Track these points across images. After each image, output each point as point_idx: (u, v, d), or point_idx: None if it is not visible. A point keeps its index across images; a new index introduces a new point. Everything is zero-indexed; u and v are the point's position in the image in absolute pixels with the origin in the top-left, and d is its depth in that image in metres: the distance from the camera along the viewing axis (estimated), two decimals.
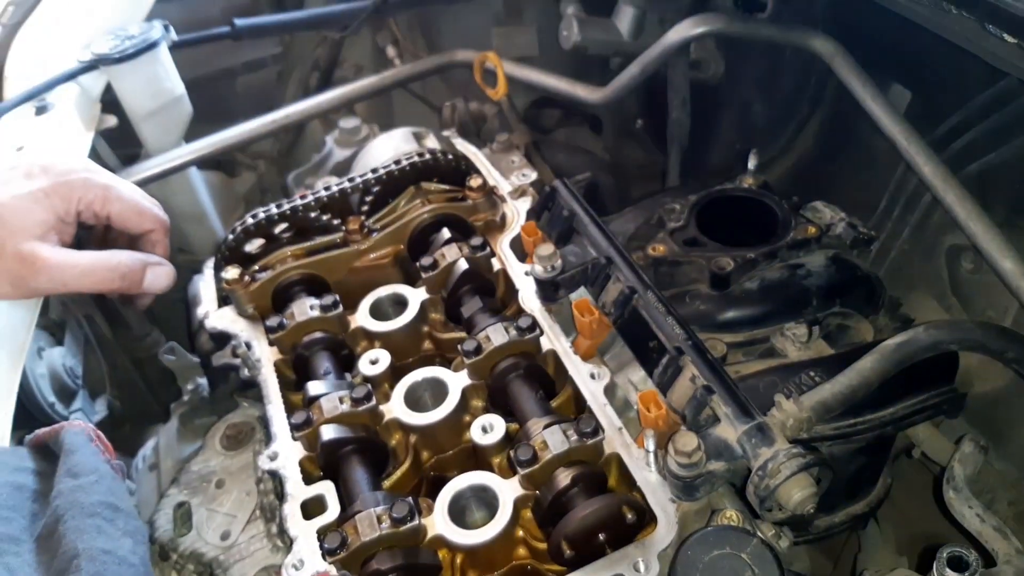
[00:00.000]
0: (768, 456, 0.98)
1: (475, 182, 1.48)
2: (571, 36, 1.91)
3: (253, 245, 1.44)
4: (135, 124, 1.87)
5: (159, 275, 1.33)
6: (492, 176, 1.56)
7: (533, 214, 1.46)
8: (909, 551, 1.41)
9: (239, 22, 2.06)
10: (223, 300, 1.45)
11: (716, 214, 1.46)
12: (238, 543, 1.19)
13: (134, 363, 1.91)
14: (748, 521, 1.03)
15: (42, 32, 1.86)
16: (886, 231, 1.63)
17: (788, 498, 0.97)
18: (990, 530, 1.09)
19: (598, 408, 1.15)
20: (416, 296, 1.38)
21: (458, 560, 1.08)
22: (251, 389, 1.37)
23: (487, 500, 1.10)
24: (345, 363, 1.34)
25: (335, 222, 1.46)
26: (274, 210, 1.44)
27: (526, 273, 1.35)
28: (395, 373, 1.28)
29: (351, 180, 1.49)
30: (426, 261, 1.38)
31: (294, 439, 1.19)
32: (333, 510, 1.09)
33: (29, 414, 1.46)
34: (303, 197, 1.46)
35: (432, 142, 1.77)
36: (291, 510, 1.10)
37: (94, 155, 1.75)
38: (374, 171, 1.49)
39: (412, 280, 1.43)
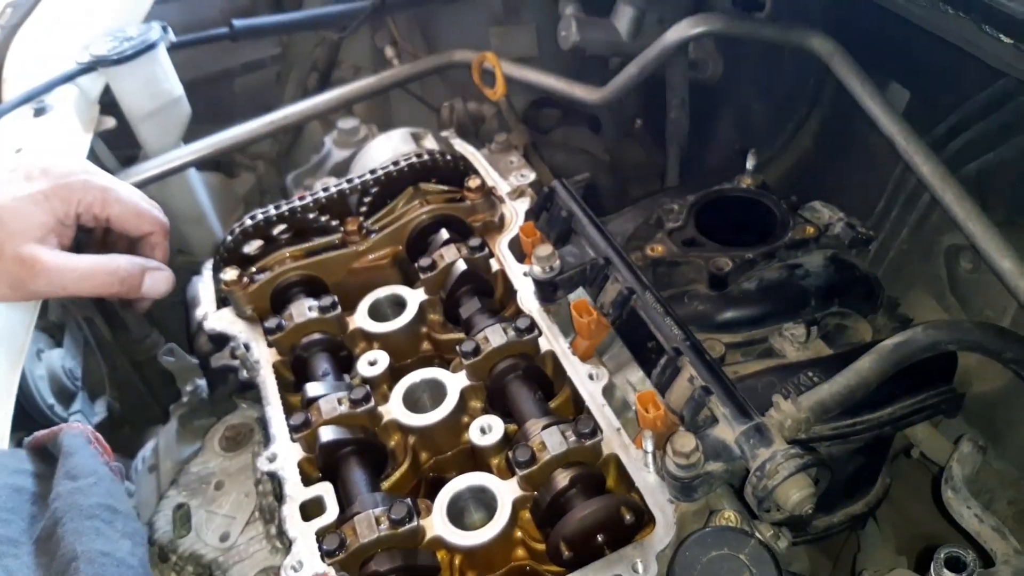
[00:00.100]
0: (766, 457, 0.98)
1: (473, 183, 1.48)
2: (570, 36, 1.91)
3: (252, 246, 1.44)
4: (134, 125, 1.87)
5: (158, 280, 1.33)
6: (491, 177, 1.56)
7: (532, 215, 1.46)
8: (909, 551, 1.41)
9: (237, 23, 2.06)
10: (222, 301, 1.45)
11: (714, 214, 1.46)
12: (237, 544, 1.19)
13: (133, 365, 1.91)
14: (746, 522, 1.03)
15: (41, 34, 1.86)
16: (885, 231, 1.63)
17: (786, 499, 0.97)
18: (988, 530, 1.09)
19: (596, 409, 1.15)
20: (415, 297, 1.38)
21: (457, 561, 1.08)
22: (250, 390, 1.37)
23: (486, 501, 1.10)
24: (344, 364, 1.34)
25: (333, 223, 1.46)
26: (272, 211, 1.44)
27: (524, 274, 1.35)
28: (394, 374, 1.28)
29: (349, 181, 1.49)
30: (424, 262, 1.38)
31: (293, 440, 1.19)
32: (332, 511, 1.09)
33: (28, 416, 1.46)
34: (301, 198, 1.46)
35: (430, 143, 1.77)
36: (290, 511, 1.10)
37: (93, 156, 1.75)
38: (372, 172, 1.49)
39: (411, 281, 1.43)
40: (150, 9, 1.99)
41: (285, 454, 1.18)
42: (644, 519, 1.04)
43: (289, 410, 1.24)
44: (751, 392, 1.10)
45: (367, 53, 2.57)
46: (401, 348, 1.37)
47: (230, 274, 1.38)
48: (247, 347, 1.35)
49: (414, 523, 1.04)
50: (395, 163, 1.49)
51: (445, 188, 1.52)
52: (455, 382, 1.22)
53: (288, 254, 1.44)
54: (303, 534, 1.07)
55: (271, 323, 1.34)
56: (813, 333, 1.27)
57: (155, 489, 1.39)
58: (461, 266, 1.35)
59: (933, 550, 0.98)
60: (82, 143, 1.67)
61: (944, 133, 1.48)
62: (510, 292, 1.37)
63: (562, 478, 1.06)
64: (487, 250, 1.40)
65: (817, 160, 1.87)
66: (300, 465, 1.16)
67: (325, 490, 1.12)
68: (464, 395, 1.22)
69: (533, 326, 1.24)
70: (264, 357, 1.34)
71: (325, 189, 1.48)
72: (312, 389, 1.23)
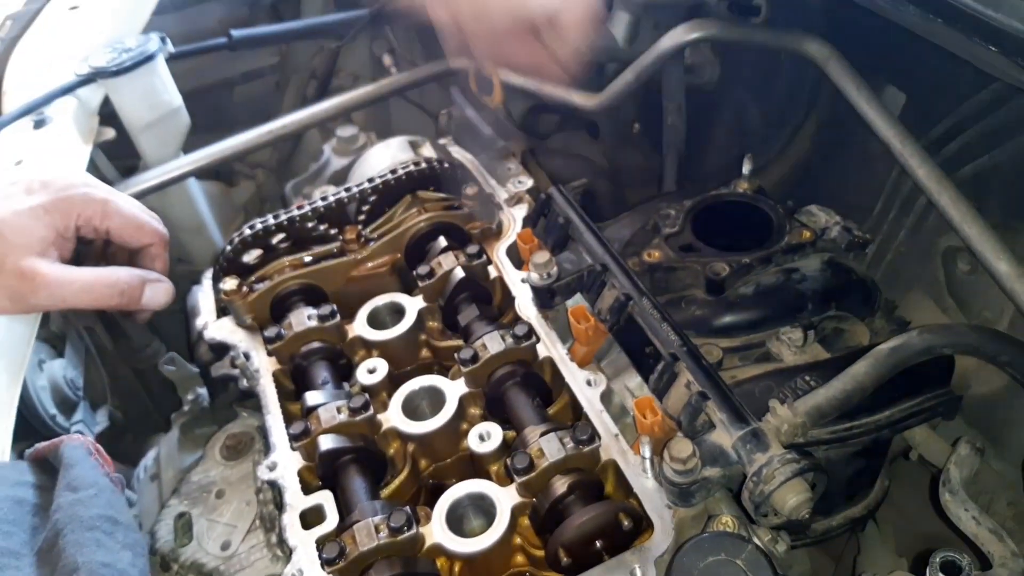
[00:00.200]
0: (762, 462, 0.99)
1: (471, 190, 1.49)
2: None
3: (251, 256, 1.45)
4: (133, 136, 1.88)
5: (158, 292, 1.34)
6: (488, 184, 1.57)
7: (529, 221, 1.47)
8: (909, 553, 1.41)
9: (236, 33, 2.07)
10: (222, 311, 1.46)
11: (711, 219, 1.46)
12: (238, 553, 1.20)
13: (135, 374, 1.92)
14: (744, 527, 1.03)
15: (40, 46, 1.87)
16: (882, 234, 1.63)
17: (783, 503, 0.97)
18: (986, 532, 1.09)
19: (594, 415, 1.16)
20: (413, 305, 1.38)
21: (456, 568, 1.09)
22: (250, 399, 1.38)
23: (485, 508, 1.10)
24: (343, 372, 1.35)
25: (332, 232, 1.47)
26: (271, 221, 1.45)
27: (522, 280, 1.36)
28: (393, 382, 1.29)
29: (348, 190, 1.50)
30: (423, 270, 1.39)
31: (293, 449, 1.19)
32: (332, 519, 1.10)
33: (30, 426, 1.46)
34: (300, 207, 1.47)
35: (428, 151, 1.78)
36: (290, 520, 1.11)
37: (93, 167, 1.76)
38: (370, 181, 1.50)
39: (409, 289, 1.44)
40: (148, 20, 2.00)
41: (285, 463, 1.18)
42: (642, 525, 1.04)
43: (289, 419, 1.25)
44: (748, 396, 1.10)
45: (365, 61, 2.58)
46: (400, 356, 1.37)
47: (230, 284, 1.39)
48: (247, 356, 1.36)
49: (413, 531, 1.04)
50: (393, 171, 1.50)
51: (443, 196, 1.53)
52: (454, 389, 1.23)
53: (287, 263, 1.45)
54: (303, 542, 1.08)
55: (271, 332, 1.34)
56: (810, 337, 1.28)
57: (157, 498, 1.40)
58: (459, 273, 1.35)
59: (927, 555, 0.98)
60: (82, 154, 1.68)
61: (940, 136, 1.48)
62: (508, 299, 1.37)
63: (560, 484, 1.06)
64: (485, 257, 1.41)
65: (813, 164, 1.88)
66: (300, 474, 1.17)
67: (325, 498, 1.12)
68: (463, 402, 1.22)
69: (531, 333, 1.24)
70: (264, 366, 1.35)
71: (324, 198, 1.49)
72: (311, 398, 1.24)
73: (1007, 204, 1.38)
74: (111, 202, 1.31)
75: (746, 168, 1.51)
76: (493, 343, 1.22)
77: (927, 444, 1.30)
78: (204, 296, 1.51)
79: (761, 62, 1.89)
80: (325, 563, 1.03)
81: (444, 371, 1.32)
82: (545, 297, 1.30)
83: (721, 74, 1.97)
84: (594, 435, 1.09)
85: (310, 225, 1.46)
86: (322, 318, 1.34)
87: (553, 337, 1.28)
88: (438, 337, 1.39)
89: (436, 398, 1.24)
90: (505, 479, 1.12)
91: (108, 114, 1.84)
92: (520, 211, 1.50)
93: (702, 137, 2.01)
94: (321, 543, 1.07)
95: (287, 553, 1.08)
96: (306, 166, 2.17)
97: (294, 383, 1.36)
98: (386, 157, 1.80)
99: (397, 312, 1.39)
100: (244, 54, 2.34)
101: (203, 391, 1.55)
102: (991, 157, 1.40)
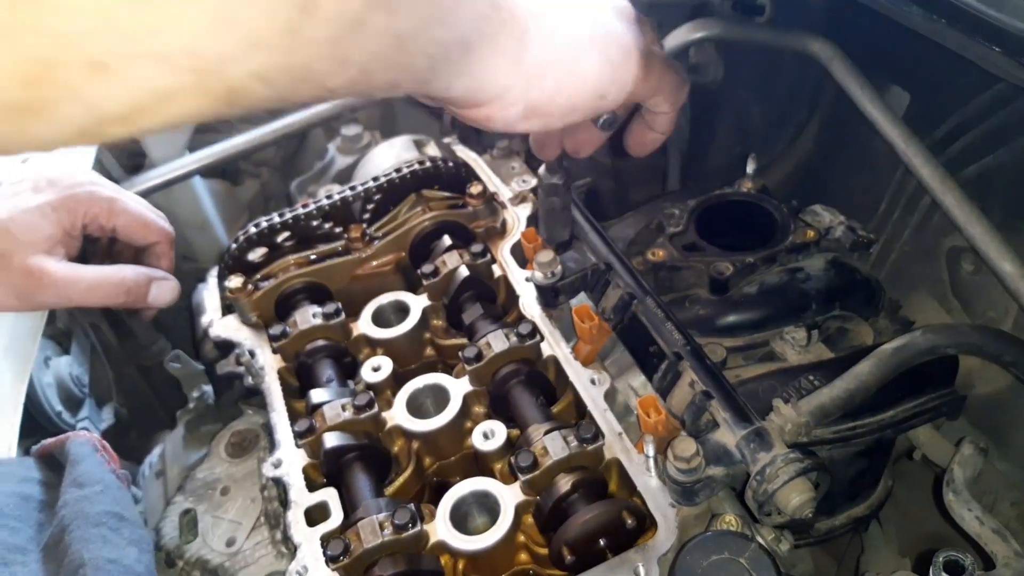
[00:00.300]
0: (766, 461, 0.99)
1: (475, 189, 1.49)
2: None
3: (256, 254, 1.45)
4: None
5: (164, 290, 1.34)
6: (492, 182, 1.57)
7: (533, 220, 1.47)
8: (912, 553, 1.41)
9: None
10: (227, 309, 1.46)
11: (715, 219, 1.46)
12: (243, 550, 1.20)
13: (140, 371, 1.93)
14: (747, 526, 1.03)
15: None
16: (886, 233, 1.63)
17: (786, 502, 0.97)
18: (989, 532, 1.09)
19: (598, 414, 1.16)
20: (418, 303, 1.39)
21: (460, 566, 1.09)
22: (255, 397, 1.39)
23: (488, 506, 1.11)
24: (348, 370, 1.36)
25: (337, 230, 1.47)
26: (276, 219, 1.45)
27: (526, 279, 1.36)
28: (397, 380, 1.29)
29: (352, 188, 1.50)
30: (427, 268, 1.39)
31: (297, 446, 1.20)
32: (336, 517, 1.10)
33: (36, 423, 1.47)
34: (305, 206, 1.47)
35: (433, 150, 1.78)
36: (295, 517, 1.11)
37: (99, 165, 1.77)
38: (375, 179, 1.50)
39: (414, 287, 1.44)
40: None
41: (290, 460, 1.19)
42: (646, 523, 1.05)
43: (294, 416, 1.26)
44: (752, 396, 1.10)
45: None
46: (404, 354, 1.38)
47: (235, 281, 1.39)
48: (252, 354, 1.37)
49: (417, 528, 1.05)
50: (397, 170, 1.50)
51: (447, 194, 1.53)
52: (458, 387, 1.23)
53: (292, 261, 1.45)
54: (308, 539, 1.08)
55: (276, 330, 1.35)
56: (814, 337, 1.28)
57: (162, 495, 1.41)
58: (463, 272, 1.36)
59: (932, 553, 0.98)
60: (88, 152, 1.68)
61: (944, 136, 1.48)
62: (512, 298, 1.38)
63: (564, 483, 1.06)
64: (489, 256, 1.41)
65: (817, 164, 1.88)
66: (305, 471, 1.17)
67: (329, 495, 1.13)
68: (467, 400, 1.23)
69: (535, 331, 1.25)
70: (269, 364, 1.35)
71: (328, 196, 1.49)
72: (316, 395, 1.24)
73: (1011, 204, 1.38)
74: (118, 200, 1.31)
75: (750, 168, 1.51)
76: (497, 342, 1.23)
77: (931, 444, 1.30)
78: (209, 294, 1.51)
79: (765, 62, 1.89)
80: (329, 560, 1.03)
81: (448, 369, 1.33)
82: (549, 296, 1.30)
83: (725, 74, 1.97)
84: (598, 434, 1.09)
85: (315, 223, 1.46)
86: (327, 316, 1.35)
87: (557, 336, 1.28)
88: (442, 335, 1.40)
89: (440, 396, 1.24)
90: (509, 477, 1.12)
91: None
92: (524, 210, 1.50)
93: (706, 136, 2.01)
94: (325, 540, 1.07)
95: (291, 550, 1.09)
96: (311, 165, 2.17)
97: (299, 381, 1.36)
98: (390, 156, 1.80)
99: (401, 310, 1.40)
100: None
101: (208, 388, 1.56)
102: (995, 157, 1.40)
